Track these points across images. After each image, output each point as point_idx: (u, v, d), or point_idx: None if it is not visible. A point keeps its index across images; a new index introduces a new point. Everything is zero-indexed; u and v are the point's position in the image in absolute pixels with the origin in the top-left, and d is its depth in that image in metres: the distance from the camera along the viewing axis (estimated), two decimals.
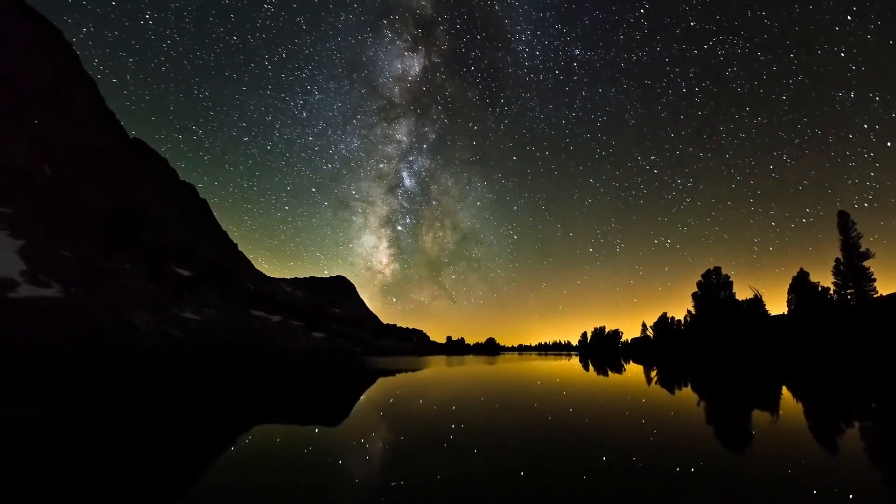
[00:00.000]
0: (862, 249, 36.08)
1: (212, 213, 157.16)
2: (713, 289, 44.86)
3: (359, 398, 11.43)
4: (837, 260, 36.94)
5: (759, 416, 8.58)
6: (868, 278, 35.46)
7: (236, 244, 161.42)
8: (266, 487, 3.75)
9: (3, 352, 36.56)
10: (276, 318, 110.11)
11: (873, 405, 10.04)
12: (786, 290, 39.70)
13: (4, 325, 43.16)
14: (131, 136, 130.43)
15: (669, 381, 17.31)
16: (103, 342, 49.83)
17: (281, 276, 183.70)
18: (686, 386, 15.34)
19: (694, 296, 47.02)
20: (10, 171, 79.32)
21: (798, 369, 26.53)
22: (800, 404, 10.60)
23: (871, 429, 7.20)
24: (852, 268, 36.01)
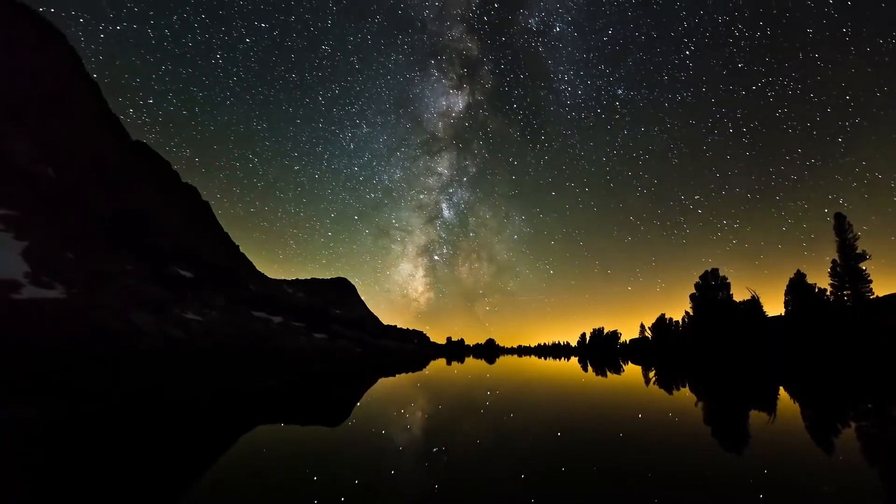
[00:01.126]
0: (858, 251, 36.30)
1: (214, 215, 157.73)
2: (711, 290, 45.04)
3: (353, 396, 11.71)
4: (834, 261, 37.17)
5: (755, 417, 8.74)
6: (865, 280, 35.66)
7: (238, 246, 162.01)
8: (260, 486, 3.94)
9: (7, 352, 36.97)
10: (277, 320, 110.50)
11: (869, 405, 10.23)
12: (783, 292, 39.95)
13: (8, 327, 43.61)
14: (134, 140, 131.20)
15: (668, 382, 17.51)
16: (106, 343, 50.26)
17: (283, 278, 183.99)
18: (684, 387, 15.52)
19: (692, 297, 47.21)
20: (13, 173, 80.00)
21: (795, 370, 26.71)
22: (797, 405, 10.77)
23: (867, 429, 7.33)
24: (849, 269, 36.21)
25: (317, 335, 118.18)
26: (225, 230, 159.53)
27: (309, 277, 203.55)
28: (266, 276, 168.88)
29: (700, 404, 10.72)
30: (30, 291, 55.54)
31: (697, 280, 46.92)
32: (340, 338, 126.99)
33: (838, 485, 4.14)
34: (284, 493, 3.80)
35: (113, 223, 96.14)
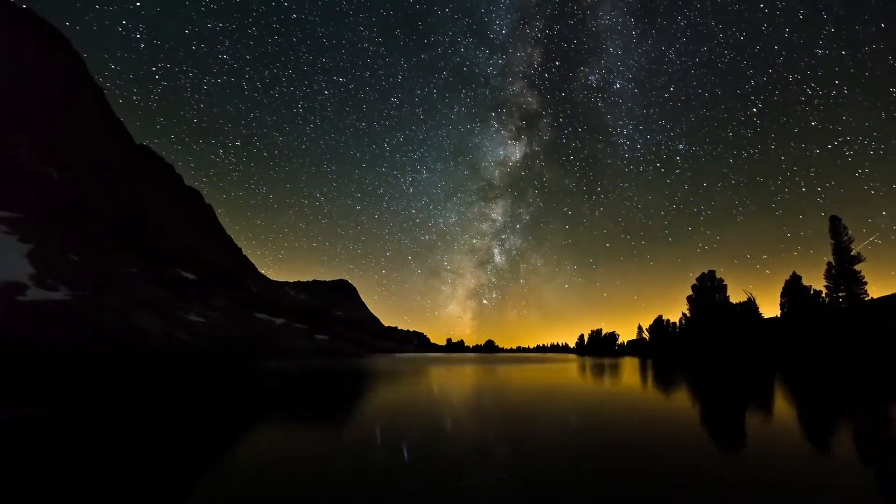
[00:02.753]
0: (853, 253, 36.48)
1: (217, 218, 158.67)
2: (708, 292, 45.29)
3: (348, 393, 12.18)
4: (829, 264, 37.35)
5: (751, 417, 8.90)
6: (859, 281, 35.83)
7: (241, 248, 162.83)
8: (258, 483, 4.18)
9: (12, 353, 37.59)
10: (279, 321, 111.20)
11: (862, 405, 10.41)
12: (779, 293, 40.17)
13: (13, 328, 44.35)
14: (138, 144, 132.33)
15: (666, 383, 17.75)
16: (109, 344, 50.90)
17: (284, 280, 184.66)
18: (682, 387, 15.66)
19: (689, 299, 47.46)
20: (19, 177, 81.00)
21: (793, 370, 26.93)
22: (793, 405, 10.97)
23: (862, 429, 7.53)
24: (844, 271, 36.40)
25: (318, 336, 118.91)
26: (255, 261, 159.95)
27: (311, 279, 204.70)
28: (269, 278, 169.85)
29: (696, 405, 10.78)
30: (35, 293, 56.33)
31: (694, 282, 47.23)
32: (341, 339, 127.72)
33: (832, 483, 4.30)
34: (281, 489, 4.02)
35: (117, 226, 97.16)
